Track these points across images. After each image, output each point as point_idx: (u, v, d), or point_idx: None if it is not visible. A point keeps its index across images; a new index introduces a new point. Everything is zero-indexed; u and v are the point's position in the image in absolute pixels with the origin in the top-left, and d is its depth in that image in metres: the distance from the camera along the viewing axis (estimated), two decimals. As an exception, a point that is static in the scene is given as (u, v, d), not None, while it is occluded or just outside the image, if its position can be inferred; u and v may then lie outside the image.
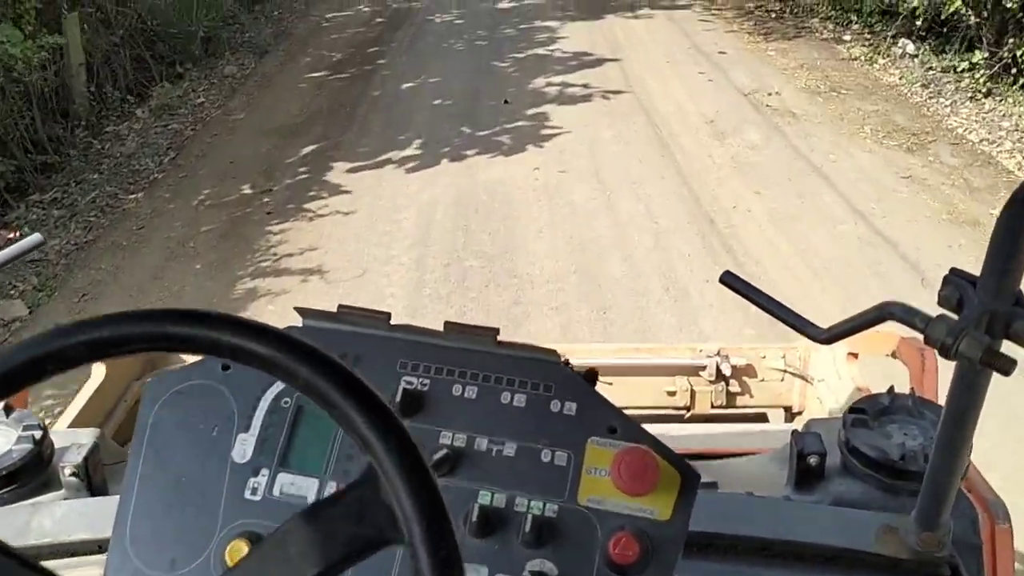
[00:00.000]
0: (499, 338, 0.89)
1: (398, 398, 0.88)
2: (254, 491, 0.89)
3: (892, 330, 1.92)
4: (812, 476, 1.27)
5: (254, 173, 6.61)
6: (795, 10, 11.04)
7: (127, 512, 0.91)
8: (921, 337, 0.90)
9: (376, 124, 7.68)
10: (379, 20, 11.48)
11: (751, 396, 2.15)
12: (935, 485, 1.00)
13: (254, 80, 9.19)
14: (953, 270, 0.92)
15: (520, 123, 7.56)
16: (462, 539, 0.82)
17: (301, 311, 0.94)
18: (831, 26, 10.24)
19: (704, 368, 2.10)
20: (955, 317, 0.89)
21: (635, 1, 11.80)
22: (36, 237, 1.42)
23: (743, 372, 2.13)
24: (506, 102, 8.12)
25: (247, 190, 6.33)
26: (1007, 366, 0.85)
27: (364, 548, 0.48)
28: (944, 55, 8.39)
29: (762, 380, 2.14)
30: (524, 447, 0.85)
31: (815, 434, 1.30)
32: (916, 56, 8.62)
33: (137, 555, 0.88)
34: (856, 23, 10.08)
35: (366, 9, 12.16)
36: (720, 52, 9.26)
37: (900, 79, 8.36)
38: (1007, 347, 0.88)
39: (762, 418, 2.19)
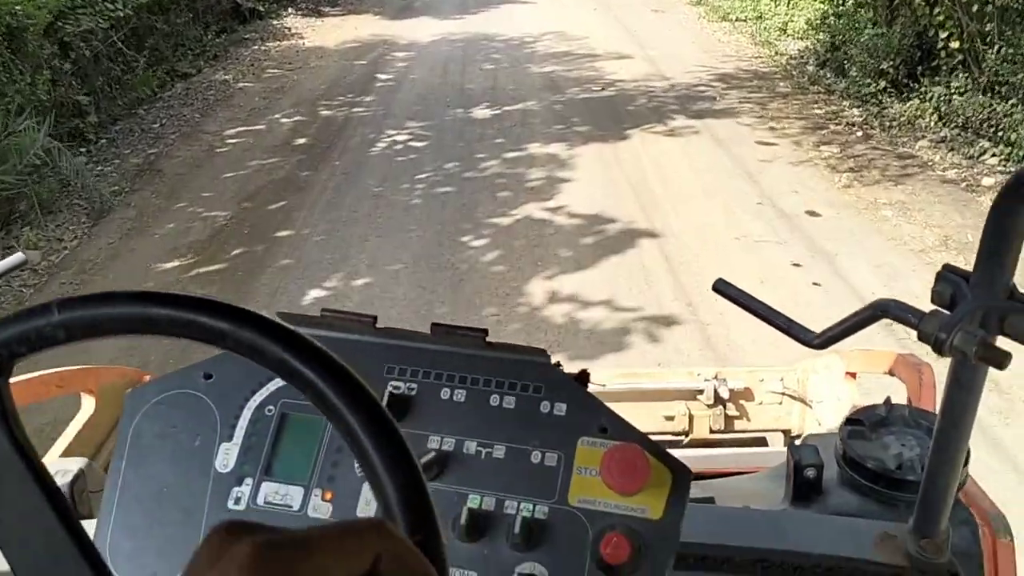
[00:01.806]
0: (488, 339, 0.88)
1: (385, 403, 0.87)
2: (237, 500, 0.88)
3: (888, 349, 1.91)
4: (810, 489, 1.25)
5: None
6: (885, 123, 7.56)
7: (107, 527, 0.89)
8: (916, 341, 0.89)
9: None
10: (300, 141, 7.62)
11: (749, 420, 2.13)
12: (933, 488, 0.99)
13: (61, 279, 5.14)
14: (946, 266, 0.91)
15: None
16: (451, 543, 0.80)
17: (284, 316, 0.93)
18: (952, 156, 6.68)
19: (702, 392, 2.09)
20: (949, 313, 0.88)
21: (661, 105, 8.45)
22: (19, 256, 1.42)
23: (741, 396, 2.12)
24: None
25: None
26: (1002, 359, 0.84)
27: None
28: None
29: (760, 403, 2.12)
30: (514, 449, 0.84)
31: (812, 447, 1.29)
32: None
33: (118, 568, 0.86)
34: (995, 153, 6.52)
35: (285, 121, 8.29)
36: (810, 212, 5.75)
37: None
38: (1002, 343, 0.87)
39: (761, 442, 2.17)
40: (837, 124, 7.75)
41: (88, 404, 1.97)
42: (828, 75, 9.16)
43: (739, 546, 1.09)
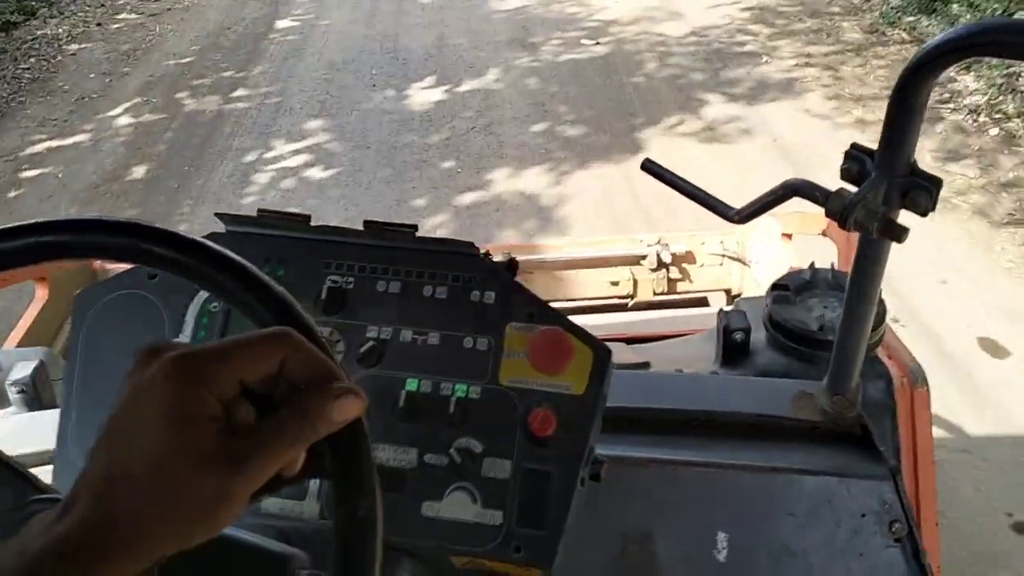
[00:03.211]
0: (417, 234, 0.92)
1: (323, 296, 0.91)
2: None
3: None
4: (738, 352, 1.33)
5: None
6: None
7: (69, 419, 0.94)
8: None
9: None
10: (136, 174, 4.84)
11: (691, 281, 2.21)
12: (843, 351, 1.06)
13: None
14: (853, 144, 0.95)
15: None
16: (392, 424, 0.86)
17: (222, 216, 0.95)
18: None
19: (645, 257, 2.15)
20: (854, 191, 0.93)
21: (682, 73, 5.66)
22: None
23: (683, 259, 2.19)
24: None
25: None
26: (900, 234, 0.90)
27: None
28: None
29: (702, 265, 2.20)
30: (447, 335, 0.89)
31: (740, 312, 1.36)
32: None
33: (82, 456, 0.92)
34: None
35: (124, 124, 5.49)
36: (985, 344, 3.16)
37: None
38: (906, 217, 0.92)
39: (703, 303, 2.26)
40: (956, 110, 4.73)
41: (41, 293, 2.00)
42: (912, 8, 6.01)
43: (670, 408, 1.17)
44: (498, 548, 0.82)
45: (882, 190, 0.91)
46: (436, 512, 0.84)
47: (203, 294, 0.93)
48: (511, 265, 0.92)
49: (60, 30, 7.33)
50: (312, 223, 0.93)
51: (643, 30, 6.51)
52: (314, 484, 0.85)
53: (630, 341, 1.85)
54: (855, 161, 0.94)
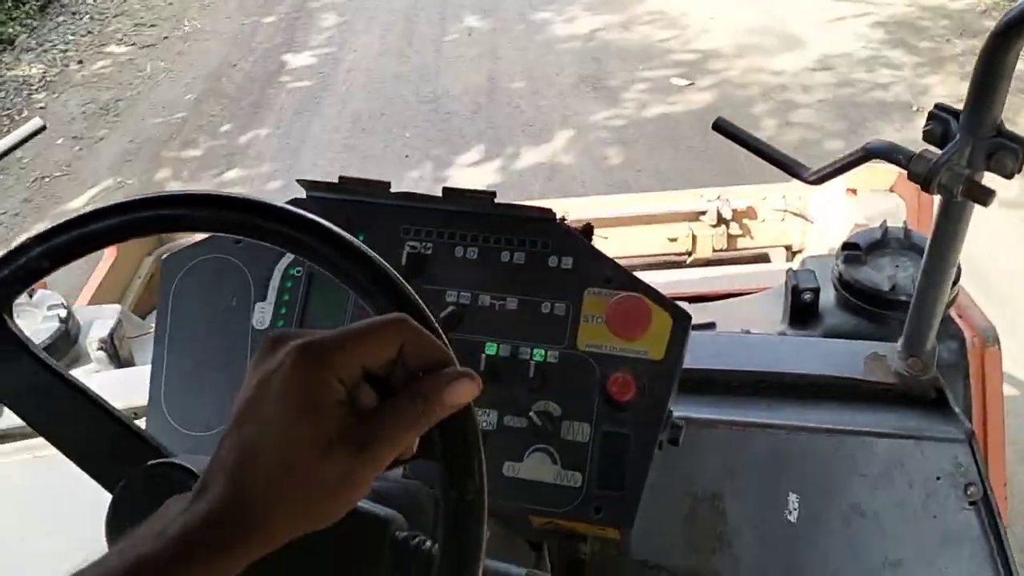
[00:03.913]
0: (496, 200, 0.92)
1: (403, 262, 0.92)
2: None
3: (890, 164, 1.94)
4: (806, 312, 1.32)
5: None
6: None
7: (160, 379, 0.97)
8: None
9: None
10: None
11: (752, 238, 2.19)
12: (920, 312, 1.05)
13: None
14: (938, 104, 0.93)
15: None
16: None
17: (304, 183, 0.97)
18: None
19: (704, 213, 2.14)
20: (938, 151, 0.91)
21: (811, 133, 4.32)
22: (36, 122, 1.43)
23: (744, 215, 2.16)
24: None
25: None
26: (985, 197, 0.89)
27: None
28: None
29: (763, 221, 2.17)
30: (525, 300, 0.90)
31: (809, 271, 1.35)
32: None
33: (174, 418, 0.95)
34: None
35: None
36: None
37: None
38: (989, 178, 0.90)
39: (764, 259, 2.24)
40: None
41: (110, 251, 2.04)
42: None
43: (738, 370, 1.17)
44: (578, 509, 0.83)
45: (967, 152, 0.89)
46: (516, 472, 0.85)
47: (287, 259, 0.95)
48: (588, 230, 0.93)
49: (33, 70, 5.91)
50: (392, 189, 0.94)
51: (753, 65, 4.94)
52: None
53: (692, 300, 1.85)
54: (939, 122, 0.92)
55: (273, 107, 5.14)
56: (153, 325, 1.68)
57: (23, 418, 0.61)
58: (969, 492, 1.06)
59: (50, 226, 0.57)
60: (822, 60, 4.89)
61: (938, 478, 1.07)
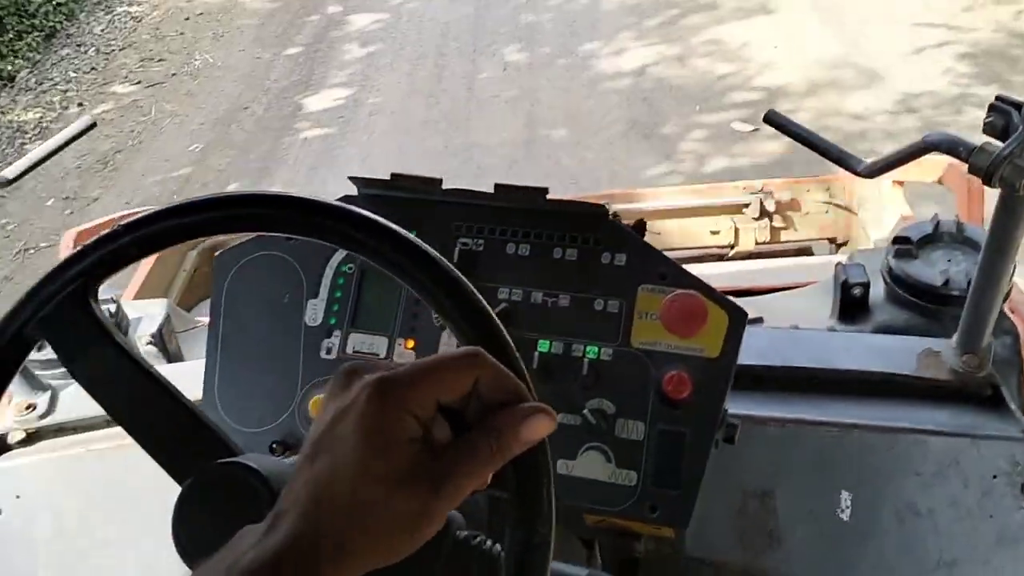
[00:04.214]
0: (548, 196, 0.92)
1: (455, 259, 0.92)
2: (328, 351, 0.96)
3: (938, 156, 1.91)
4: (856, 307, 1.30)
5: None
6: None
7: (213, 375, 0.98)
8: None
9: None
10: None
11: (796, 230, 2.16)
12: (976, 307, 1.03)
13: None
14: (999, 96, 0.91)
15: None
16: None
17: (356, 180, 0.97)
18: None
19: (748, 205, 2.12)
20: (1000, 144, 0.89)
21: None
22: (86, 119, 1.45)
23: (787, 207, 2.14)
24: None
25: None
26: None
27: None
28: None
29: (806, 214, 2.15)
30: (578, 297, 0.90)
31: (859, 265, 1.33)
32: None
33: (227, 414, 0.96)
34: None
35: None
36: None
37: None
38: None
39: (807, 252, 2.21)
40: None
41: None
42: None
43: (789, 366, 1.16)
44: (633, 507, 0.83)
45: (1029, 145, 0.87)
46: (570, 470, 0.85)
47: (339, 256, 0.96)
48: (640, 226, 0.92)
49: (29, 115, 5.43)
50: (444, 186, 0.94)
51: (828, 106, 4.28)
52: None
53: (738, 294, 1.83)
54: (1000, 114, 0.90)
55: (286, 160, 4.66)
56: (199, 319, 1.71)
57: (102, 404, 0.62)
58: None
59: (143, 214, 0.59)
60: (904, 100, 4.23)
61: (994, 476, 1.05)
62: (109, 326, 0.61)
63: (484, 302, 0.54)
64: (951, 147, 0.92)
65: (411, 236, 0.55)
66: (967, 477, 1.07)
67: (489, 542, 0.61)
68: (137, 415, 0.61)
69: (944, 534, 1.09)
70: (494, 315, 0.54)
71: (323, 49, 5.86)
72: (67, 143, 1.42)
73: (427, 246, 0.54)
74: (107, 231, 0.59)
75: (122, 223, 0.59)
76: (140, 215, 0.59)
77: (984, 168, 0.88)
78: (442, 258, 0.54)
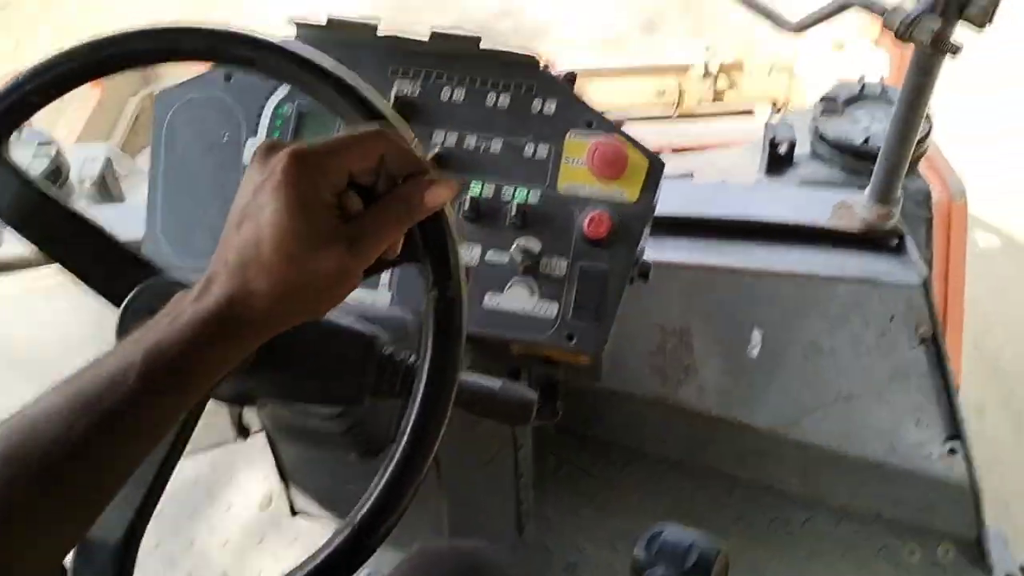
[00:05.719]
0: (481, 45, 0.94)
1: (391, 103, 0.95)
2: None
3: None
4: (782, 163, 1.36)
5: None
6: None
7: (156, 212, 1.00)
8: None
9: None
10: None
11: (739, 91, 2.20)
12: (888, 161, 1.09)
13: None
14: None
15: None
16: (457, 223, 0.93)
17: (295, 24, 0.98)
18: None
19: (692, 66, 2.14)
20: (915, 4, 0.93)
21: None
22: None
23: (731, 68, 2.16)
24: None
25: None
26: (954, 49, 0.92)
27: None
28: None
29: (750, 75, 2.18)
30: (509, 142, 0.93)
31: (787, 124, 1.38)
32: None
33: (169, 247, 1.00)
34: None
35: None
36: None
37: None
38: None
39: (750, 113, 2.25)
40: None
41: (94, 91, 2.03)
42: None
43: (712, 216, 1.23)
44: (553, 336, 0.90)
45: (941, 3, 0.92)
46: (497, 304, 0.91)
47: (277, 96, 0.98)
48: (571, 78, 0.95)
49: None
50: (379, 32, 0.96)
51: None
52: (386, 276, 0.93)
53: (677, 151, 1.88)
54: (917, -27, 0.94)
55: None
56: (143, 164, 1.70)
57: (30, 240, 0.65)
58: (920, 331, 1.13)
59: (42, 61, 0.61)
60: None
61: (892, 318, 1.14)
62: (20, 170, 0.64)
63: (375, 93, 0.58)
64: (870, 5, 0.96)
65: (294, 43, 0.58)
66: (868, 319, 1.16)
67: (413, 357, 0.66)
68: (63, 249, 0.65)
69: (844, 371, 1.19)
70: (387, 105, 0.58)
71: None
72: None
73: (311, 51, 0.58)
74: (10, 80, 0.61)
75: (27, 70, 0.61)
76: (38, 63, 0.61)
77: (898, 26, 0.92)
78: (328, 57, 0.58)
